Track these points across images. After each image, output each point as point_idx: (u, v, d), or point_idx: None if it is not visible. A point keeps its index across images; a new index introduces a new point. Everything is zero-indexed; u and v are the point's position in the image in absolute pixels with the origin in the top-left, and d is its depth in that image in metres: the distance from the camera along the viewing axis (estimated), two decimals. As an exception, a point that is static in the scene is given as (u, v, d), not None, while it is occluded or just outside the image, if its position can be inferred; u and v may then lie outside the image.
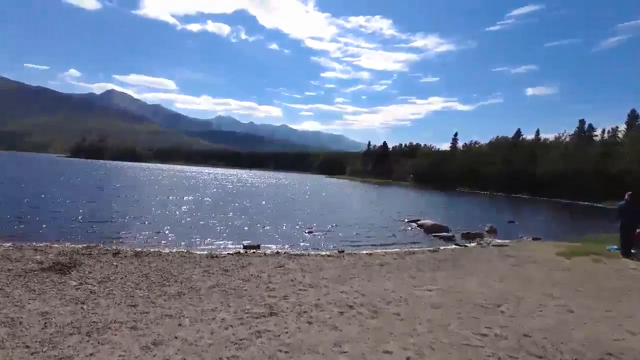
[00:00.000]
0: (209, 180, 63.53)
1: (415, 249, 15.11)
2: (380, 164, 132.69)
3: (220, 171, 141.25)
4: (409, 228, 21.71)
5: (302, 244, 15.04)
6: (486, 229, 22.58)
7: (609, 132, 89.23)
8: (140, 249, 11.89)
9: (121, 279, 8.30)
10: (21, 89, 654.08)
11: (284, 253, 12.61)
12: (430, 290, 8.52)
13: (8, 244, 11.31)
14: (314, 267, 10.70)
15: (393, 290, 8.45)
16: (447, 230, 20.50)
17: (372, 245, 15.87)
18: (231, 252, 12.27)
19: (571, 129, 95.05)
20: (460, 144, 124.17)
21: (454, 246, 16.66)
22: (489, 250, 15.54)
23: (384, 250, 14.35)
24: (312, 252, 13.12)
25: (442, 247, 16.07)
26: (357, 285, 8.77)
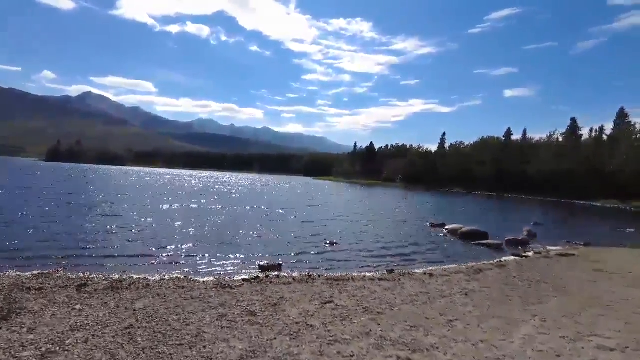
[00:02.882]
0: (196, 184, 59.07)
1: (476, 264, 11.92)
2: (368, 165, 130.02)
3: (205, 174, 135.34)
4: (440, 235, 18.55)
5: (328, 260, 11.65)
6: (524, 233, 19.60)
7: (596, 131, 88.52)
8: (118, 276, 8.33)
9: (84, 342, 4.81)
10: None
11: (318, 276, 9.21)
12: (610, 350, 5.28)
13: None
14: (376, 300, 7.37)
15: (544, 347, 5.19)
16: (485, 236, 17.43)
17: (409, 259, 12.65)
18: (246, 277, 8.81)
19: (550, 129, 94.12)
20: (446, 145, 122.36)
21: (511, 257, 13.57)
22: (565, 262, 12.49)
23: (441, 268, 11.11)
24: (354, 274, 9.75)
25: (503, 259, 12.97)
26: (478, 341, 5.47)
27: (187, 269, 9.56)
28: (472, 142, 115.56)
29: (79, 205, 20.90)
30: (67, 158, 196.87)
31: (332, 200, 40.10)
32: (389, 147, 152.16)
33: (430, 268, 11.00)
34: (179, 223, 17.26)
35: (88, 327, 5.32)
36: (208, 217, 20.01)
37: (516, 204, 54.09)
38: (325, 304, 7.04)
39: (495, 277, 10.06)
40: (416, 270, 10.56)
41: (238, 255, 11.48)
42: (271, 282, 8.43)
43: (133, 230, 14.43)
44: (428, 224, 21.70)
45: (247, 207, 26.73)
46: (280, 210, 25.57)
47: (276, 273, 9.41)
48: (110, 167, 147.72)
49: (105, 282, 7.70)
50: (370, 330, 5.67)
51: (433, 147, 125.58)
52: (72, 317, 5.72)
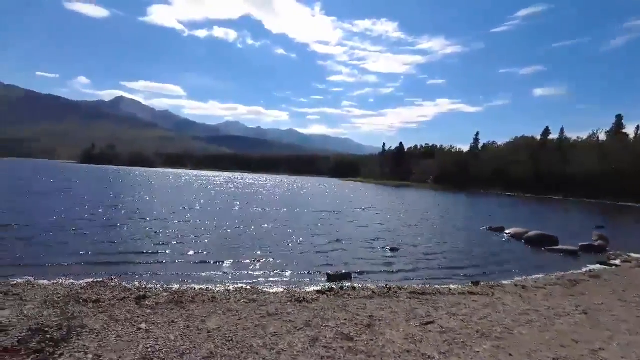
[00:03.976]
0: (231, 186, 58.31)
1: (565, 274, 10.49)
2: (398, 166, 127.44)
3: (235, 175, 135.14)
4: (503, 239, 17.04)
5: (396, 268, 10.44)
6: (594, 238, 17.79)
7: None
8: (177, 286, 7.44)
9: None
10: (32, 96, 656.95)
11: (399, 289, 8.05)
12: None
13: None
14: (484, 321, 6.16)
15: None
16: (555, 241, 15.82)
17: (484, 267, 11.37)
18: (319, 289, 7.75)
19: (585, 128, 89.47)
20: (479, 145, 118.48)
21: (598, 266, 12.03)
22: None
23: (530, 279, 9.77)
24: (436, 286, 8.54)
25: (591, 268, 11.48)
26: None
27: (249, 278, 8.59)
28: (504, 142, 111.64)
29: (122, 209, 20.10)
30: (100, 160, 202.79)
31: (377, 203, 38.45)
32: (418, 147, 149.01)
33: (517, 278, 9.67)
34: (229, 227, 16.26)
35: (162, 356, 4.36)
36: (258, 220, 18.89)
37: (562, 206, 51.14)
38: (426, 324, 5.88)
39: (599, 290, 8.65)
40: (504, 282, 9.25)
41: (298, 262, 10.44)
42: (349, 296, 7.34)
43: (181, 235, 13.52)
44: (485, 227, 20.13)
45: (297, 210, 25.44)
46: (332, 214, 24.12)
47: (348, 284, 8.30)
48: (143, 169, 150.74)
49: (165, 294, 6.79)
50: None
51: (462, 147, 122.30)
52: (139, 339, 4.79)
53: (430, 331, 5.60)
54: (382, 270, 10.12)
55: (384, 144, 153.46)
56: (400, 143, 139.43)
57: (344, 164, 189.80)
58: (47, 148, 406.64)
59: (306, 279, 8.73)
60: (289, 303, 6.66)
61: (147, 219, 16.90)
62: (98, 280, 7.52)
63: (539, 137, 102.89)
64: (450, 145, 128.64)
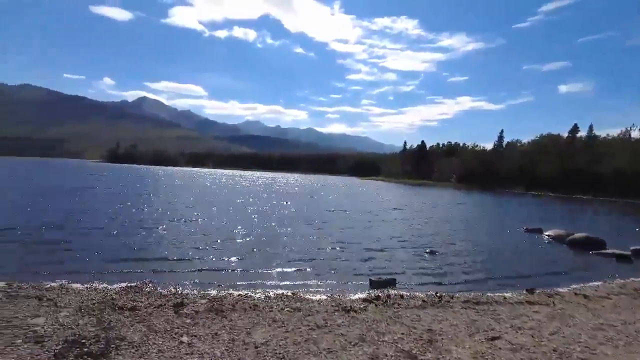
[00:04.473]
0: (257, 185, 57.51)
1: (627, 282, 9.66)
2: (419, 165, 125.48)
3: (257, 174, 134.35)
4: (545, 241, 16.14)
5: (439, 273, 9.77)
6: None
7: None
8: (214, 292, 7.03)
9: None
10: (60, 98, 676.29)
11: (451, 297, 7.45)
12: None
13: (-1, 284, 6.69)
14: (556, 337, 5.52)
15: None
16: (602, 244, 14.84)
17: (532, 272, 10.59)
18: (364, 297, 7.22)
19: (611, 125, 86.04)
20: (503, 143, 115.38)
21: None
22: None
23: (589, 287, 8.99)
24: (489, 294, 7.90)
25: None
26: None
27: (289, 283, 8.12)
28: (529, 140, 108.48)
29: (154, 210, 19.60)
30: (124, 160, 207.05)
31: (403, 202, 37.30)
32: (440, 145, 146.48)
33: (574, 286, 8.92)
34: (263, 228, 15.76)
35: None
36: (291, 221, 18.17)
37: (593, 206, 49.11)
38: (493, 340, 5.28)
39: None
40: (560, 289, 8.52)
41: (336, 265, 9.91)
42: (399, 305, 6.78)
43: (215, 236, 13.03)
44: (521, 228, 19.18)
45: (329, 210, 24.50)
46: (364, 214, 23.14)
47: (393, 291, 7.74)
48: (167, 168, 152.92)
49: (203, 301, 6.38)
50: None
51: (485, 145, 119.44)
52: (182, 355, 4.36)
53: (499, 348, 5.00)
54: (425, 275, 9.50)
55: (405, 142, 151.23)
56: (422, 141, 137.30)
57: (363, 163, 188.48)
58: (74, 148, 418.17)
59: (348, 285, 8.19)
60: (336, 313, 6.16)
61: (180, 220, 16.47)
62: (132, 284, 7.17)
63: (565, 135, 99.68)
64: (474, 144, 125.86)
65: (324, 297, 7.14)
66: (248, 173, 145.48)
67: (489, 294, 7.85)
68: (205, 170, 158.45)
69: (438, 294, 7.55)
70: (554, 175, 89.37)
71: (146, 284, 7.34)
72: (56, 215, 15.33)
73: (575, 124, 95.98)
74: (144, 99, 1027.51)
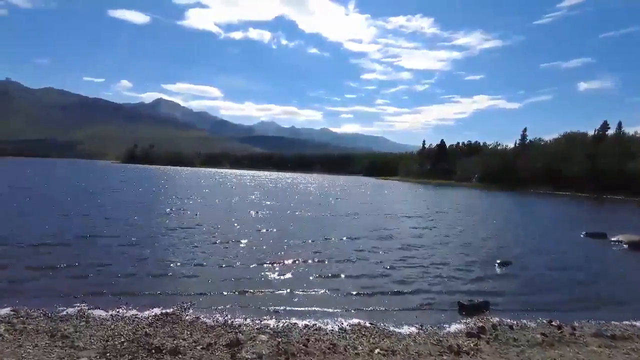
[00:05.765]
0: (280, 187, 54.32)
1: None
2: (439, 164, 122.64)
3: (273, 175, 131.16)
4: (617, 249, 14.21)
5: (530, 292, 7.99)
6: None
7: None
8: (273, 322, 5.48)
9: None
10: (81, 100, 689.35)
11: (573, 329, 5.77)
12: None
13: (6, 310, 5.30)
14: None
15: None
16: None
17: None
18: (461, 328, 5.60)
19: (636, 122, 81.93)
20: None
21: None
22: None
23: None
24: (615, 322, 6.20)
25: None
26: None
27: (357, 306, 6.50)
28: (551, 139, 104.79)
29: (182, 215, 17.85)
30: (141, 160, 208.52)
31: (437, 205, 34.44)
32: (460, 144, 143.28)
33: None
34: (305, 236, 13.51)
35: None
36: (333, 229, 16.08)
37: (630, 206, 46.28)
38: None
39: None
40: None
41: (405, 282, 8.18)
42: (515, 341, 5.13)
43: (256, 248, 11.12)
44: (582, 233, 17.17)
45: (367, 215, 22.06)
46: (407, 219, 20.72)
47: (495, 319, 6.08)
48: (184, 168, 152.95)
49: (264, 338, 4.84)
50: None
51: (506, 144, 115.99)
52: None
53: None
54: (514, 294, 7.83)
55: (424, 142, 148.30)
56: (442, 140, 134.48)
57: (379, 163, 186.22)
58: (94, 149, 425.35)
59: (433, 310, 6.54)
60: (444, 357, 4.55)
61: (211, 226, 14.56)
62: (168, 311, 5.68)
63: (590, 133, 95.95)
64: (497, 142, 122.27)
65: (413, 329, 5.53)
66: (265, 173, 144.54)
67: (614, 322, 6.14)
68: (223, 170, 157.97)
69: (554, 323, 5.87)
70: (582, 175, 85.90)
71: (185, 309, 5.84)
72: (75, 221, 14.05)
73: (605, 121, 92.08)
74: (160, 100, 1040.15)
